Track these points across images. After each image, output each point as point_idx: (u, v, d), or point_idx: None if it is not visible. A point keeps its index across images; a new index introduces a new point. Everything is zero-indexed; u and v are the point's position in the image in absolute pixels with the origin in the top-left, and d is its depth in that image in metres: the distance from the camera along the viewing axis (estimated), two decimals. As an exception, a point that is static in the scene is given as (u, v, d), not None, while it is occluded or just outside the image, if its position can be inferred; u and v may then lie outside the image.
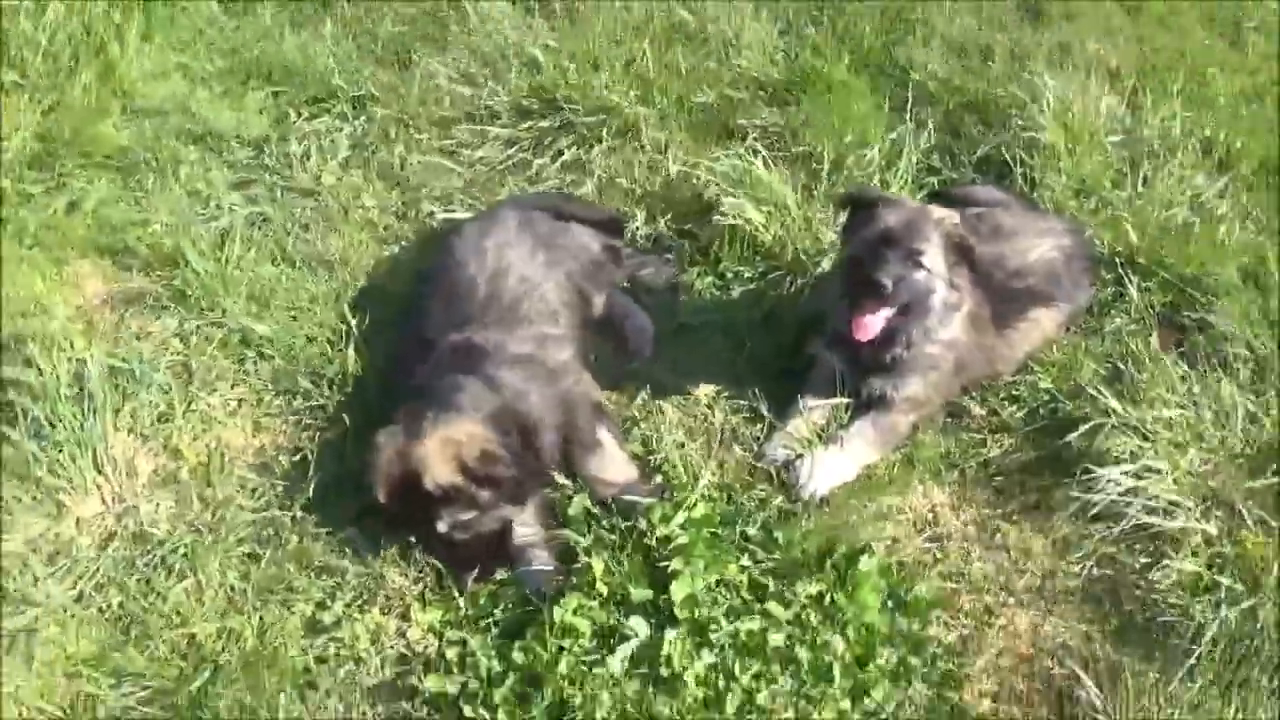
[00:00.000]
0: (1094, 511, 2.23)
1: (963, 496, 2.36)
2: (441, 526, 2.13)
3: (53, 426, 2.30)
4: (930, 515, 2.33)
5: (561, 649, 2.02)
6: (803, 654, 2.04)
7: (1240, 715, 1.97)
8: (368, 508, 2.20)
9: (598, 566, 2.10)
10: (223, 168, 2.96)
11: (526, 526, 2.22)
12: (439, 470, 2.12)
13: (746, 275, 2.72)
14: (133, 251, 2.74)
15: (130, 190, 2.90)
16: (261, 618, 2.10)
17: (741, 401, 2.46)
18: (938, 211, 2.40)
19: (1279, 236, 2.72)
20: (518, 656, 2.03)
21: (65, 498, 2.26)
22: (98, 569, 2.18)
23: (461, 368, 2.26)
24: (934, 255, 2.33)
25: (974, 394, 2.51)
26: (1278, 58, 3.25)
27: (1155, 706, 1.99)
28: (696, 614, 2.06)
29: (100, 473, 2.29)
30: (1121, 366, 2.46)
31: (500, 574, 2.16)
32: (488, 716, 1.97)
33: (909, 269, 2.31)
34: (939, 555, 2.25)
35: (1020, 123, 2.92)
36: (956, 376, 2.47)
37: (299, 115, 3.12)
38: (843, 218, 2.50)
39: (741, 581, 2.12)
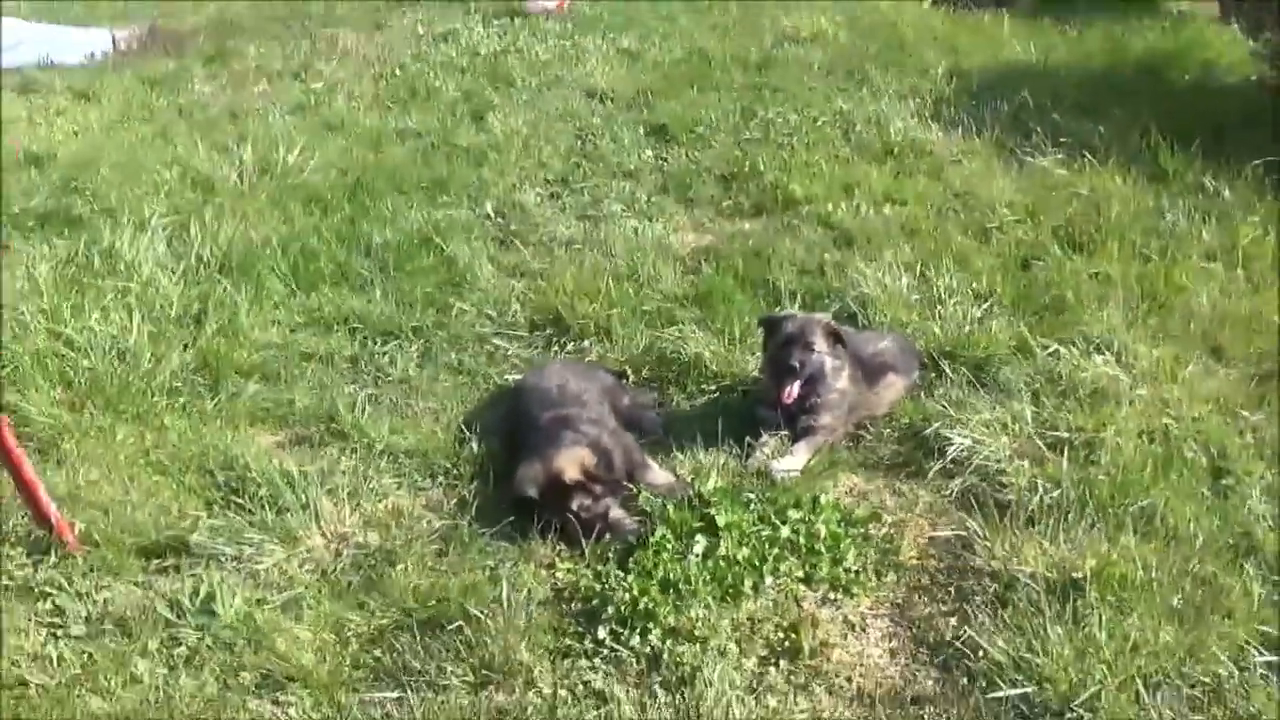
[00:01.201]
0: (948, 464, 3.74)
1: (867, 478, 3.82)
2: (573, 506, 3.44)
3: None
4: (849, 487, 3.79)
5: (661, 548, 3.33)
6: (801, 541, 3.41)
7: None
8: (517, 510, 3.49)
9: (672, 512, 3.46)
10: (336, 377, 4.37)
11: (617, 510, 3.54)
12: (570, 472, 3.47)
13: (704, 390, 4.26)
14: (290, 418, 4.07)
15: (272, 384, 4.26)
16: (459, 578, 3.31)
17: (724, 448, 3.90)
18: (818, 316, 4.06)
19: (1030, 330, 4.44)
20: (633, 567, 3.31)
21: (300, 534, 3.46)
22: (339, 565, 3.37)
23: (560, 428, 3.68)
24: (820, 342, 3.93)
25: (863, 428, 4.05)
26: (1013, 245, 5.16)
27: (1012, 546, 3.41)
28: (733, 530, 3.42)
29: (319, 524, 3.52)
30: (946, 406, 4.05)
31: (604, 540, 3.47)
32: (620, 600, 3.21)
33: (807, 354, 3.91)
34: (860, 502, 3.70)
35: (853, 293, 4.68)
36: (850, 414, 4.00)
37: (375, 343, 4.58)
38: (761, 334, 4.13)
39: (753, 515, 3.50)
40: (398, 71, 7.80)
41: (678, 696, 2.86)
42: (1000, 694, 2.85)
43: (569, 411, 3.74)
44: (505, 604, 3.14)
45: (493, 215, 5.58)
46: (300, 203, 5.54)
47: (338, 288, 4.88)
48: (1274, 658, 2.93)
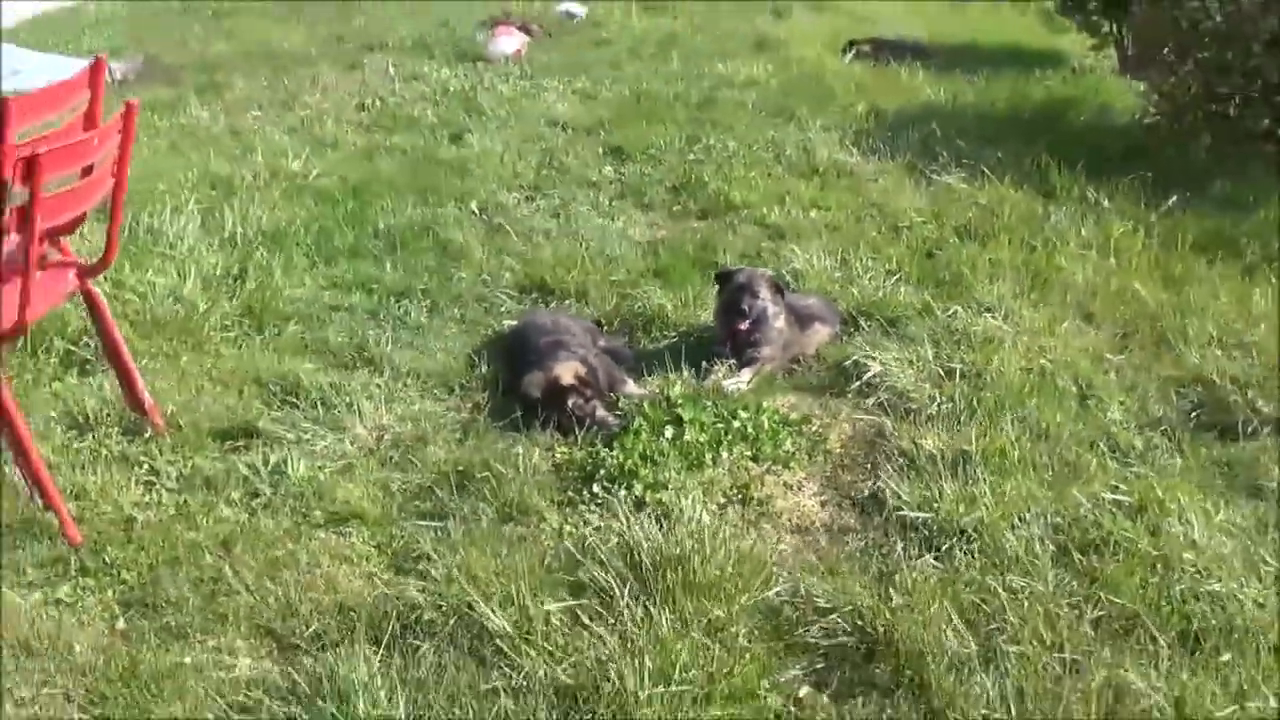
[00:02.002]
0: (864, 385, 4.68)
1: (799, 397, 4.73)
2: (569, 404, 4.33)
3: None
4: (786, 403, 4.72)
5: (638, 433, 4.21)
6: (749, 431, 4.32)
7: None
8: (523, 409, 4.36)
9: (647, 409, 4.35)
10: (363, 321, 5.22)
11: (602, 411, 4.42)
12: (565, 378, 4.35)
13: (666, 335, 5.19)
14: (326, 350, 4.91)
15: (308, 326, 5.11)
16: (480, 453, 4.16)
17: (684, 374, 4.80)
18: (761, 270, 5.03)
19: (931, 298, 5.43)
20: (617, 446, 4.19)
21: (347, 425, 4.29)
22: (382, 445, 4.22)
23: (556, 348, 4.57)
24: (764, 291, 4.88)
25: (796, 363, 4.99)
26: (919, 240, 6.18)
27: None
28: (695, 423, 4.32)
29: (361, 420, 4.35)
30: (863, 347, 5.01)
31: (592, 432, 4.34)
32: (610, 465, 4.08)
33: (753, 300, 4.86)
34: (794, 411, 4.62)
35: (786, 268, 5.66)
36: (785, 350, 4.93)
37: (391, 300, 5.44)
38: (715, 287, 5.08)
39: (710, 414, 4.41)
40: (378, 103, 8.69)
41: (659, 524, 3.71)
42: (904, 515, 3.76)
43: (561, 337, 4.64)
44: (519, 467, 3.99)
45: (478, 212, 6.46)
46: (311, 198, 6.38)
47: (354, 260, 5.72)
48: (1126, 498, 3.84)
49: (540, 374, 4.40)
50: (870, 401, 4.59)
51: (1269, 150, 7.12)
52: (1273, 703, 2.97)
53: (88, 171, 3.48)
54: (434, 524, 3.76)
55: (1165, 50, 7.53)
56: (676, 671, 2.99)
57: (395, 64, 9.99)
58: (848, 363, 4.82)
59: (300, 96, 8.92)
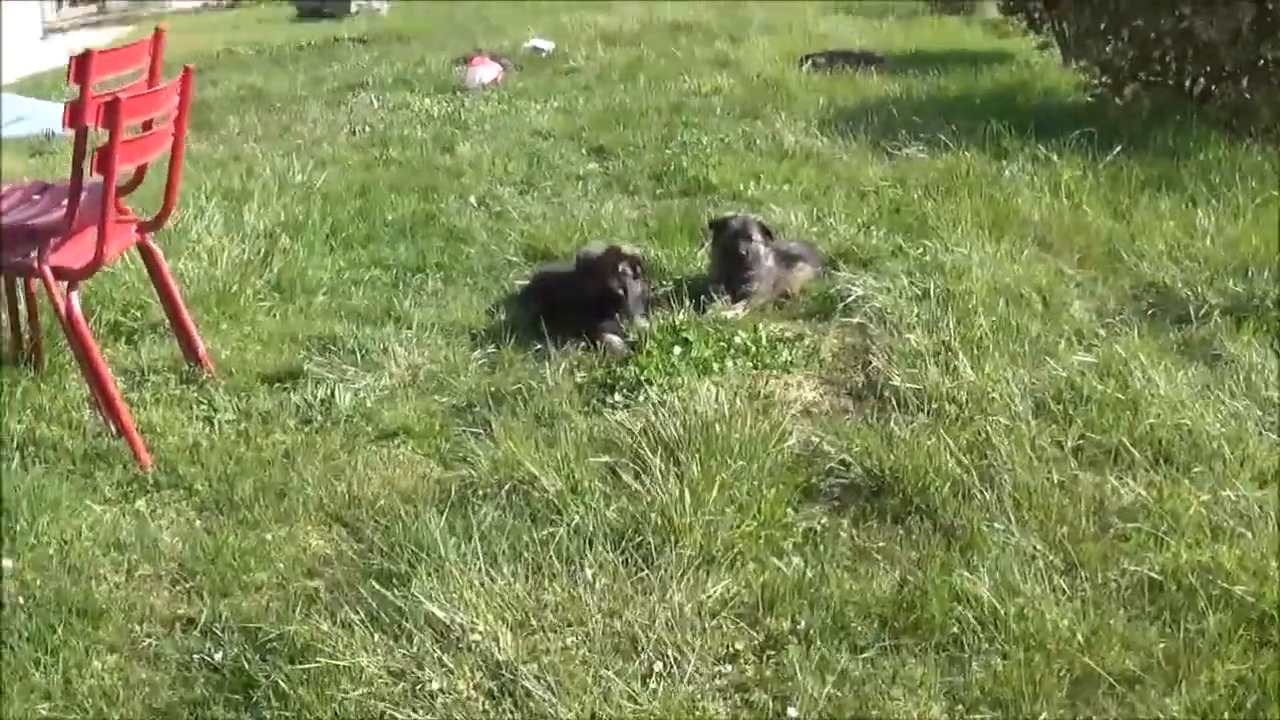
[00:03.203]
0: (848, 307, 5.09)
1: (790, 323, 5.13)
2: (620, 269, 4.78)
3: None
4: (778, 327, 5.12)
5: (650, 354, 4.60)
6: (749, 346, 4.72)
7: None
8: (580, 270, 4.90)
9: (656, 332, 4.74)
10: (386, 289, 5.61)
11: (613, 336, 4.82)
12: (626, 248, 4.89)
13: (663, 284, 5.60)
14: (355, 315, 5.29)
15: (336, 296, 5.49)
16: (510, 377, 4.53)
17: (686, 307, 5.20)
18: (753, 216, 5.46)
19: (903, 240, 5.88)
20: (632, 364, 4.57)
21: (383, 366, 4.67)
22: (417, 378, 4.58)
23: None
24: (756, 234, 5.32)
25: (785, 298, 5.41)
26: (886, 200, 6.65)
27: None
28: (700, 341, 4.71)
29: (395, 362, 4.73)
30: (844, 282, 5.44)
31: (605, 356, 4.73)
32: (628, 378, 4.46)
33: (748, 242, 5.28)
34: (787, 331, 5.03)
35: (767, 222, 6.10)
36: (774, 287, 5.36)
37: (408, 275, 5.83)
38: (710, 233, 5.51)
39: (712, 336, 4.81)
40: (368, 128, 9.13)
41: (679, 413, 4.08)
42: (896, 389, 4.16)
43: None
44: (548, 383, 4.37)
45: (476, 204, 6.88)
46: (320, 199, 6.78)
47: (368, 245, 6.12)
48: (1094, 360, 4.27)
49: (605, 245, 4.89)
50: (855, 320, 4.97)
51: (1207, 110, 7.64)
52: (1242, 496, 3.36)
53: (147, 127, 3.87)
54: (476, 429, 4.09)
55: (1101, 25, 8.07)
56: (711, 504, 3.36)
57: (378, 97, 10.42)
58: (831, 292, 5.22)
59: (293, 127, 9.34)
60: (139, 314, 4.97)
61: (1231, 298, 4.91)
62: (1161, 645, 2.83)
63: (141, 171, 4.01)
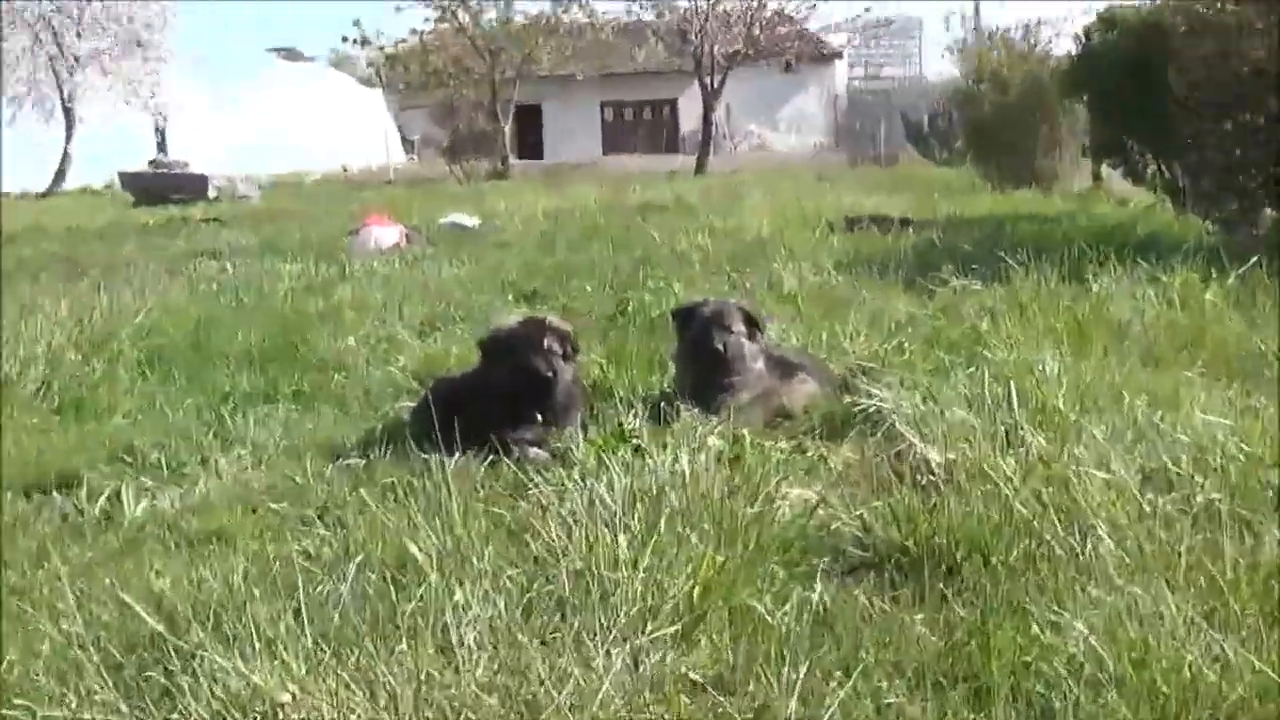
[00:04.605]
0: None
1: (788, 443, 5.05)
2: (544, 344, 4.65)
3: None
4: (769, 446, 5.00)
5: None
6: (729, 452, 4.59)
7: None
8: (488, 346, 4.81)
9: (598, 438, 4.60)
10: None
11: (535, 449, 4.67)
12: (557, 321, 4.79)
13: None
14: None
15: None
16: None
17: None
18: (733, 300, 5.41)
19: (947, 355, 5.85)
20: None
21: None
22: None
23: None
24: (738, 324, 5.22)
25: (784, 418, 5.28)
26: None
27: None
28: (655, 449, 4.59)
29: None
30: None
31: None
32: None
33: (726, 335, 5.16)
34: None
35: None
36: (768, 400, 5.13)
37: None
38: (674, 325, 5.43)
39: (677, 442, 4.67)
40: (215, 285, 9.27)
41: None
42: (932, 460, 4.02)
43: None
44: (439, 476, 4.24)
45: (357, 344, 6.88)
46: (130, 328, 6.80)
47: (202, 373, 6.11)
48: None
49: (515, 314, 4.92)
50: (877, 435, 4.80)
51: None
52: None
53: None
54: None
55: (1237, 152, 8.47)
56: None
57: (235, 264, 10.61)
58: (848, 410, 5.06)
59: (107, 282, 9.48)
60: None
61: None
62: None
63: None
